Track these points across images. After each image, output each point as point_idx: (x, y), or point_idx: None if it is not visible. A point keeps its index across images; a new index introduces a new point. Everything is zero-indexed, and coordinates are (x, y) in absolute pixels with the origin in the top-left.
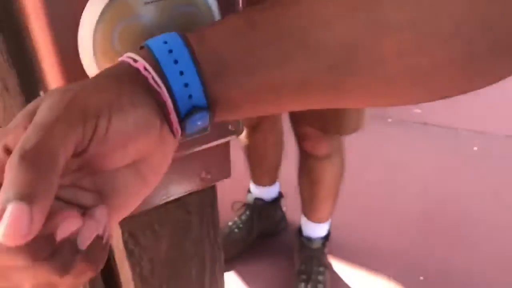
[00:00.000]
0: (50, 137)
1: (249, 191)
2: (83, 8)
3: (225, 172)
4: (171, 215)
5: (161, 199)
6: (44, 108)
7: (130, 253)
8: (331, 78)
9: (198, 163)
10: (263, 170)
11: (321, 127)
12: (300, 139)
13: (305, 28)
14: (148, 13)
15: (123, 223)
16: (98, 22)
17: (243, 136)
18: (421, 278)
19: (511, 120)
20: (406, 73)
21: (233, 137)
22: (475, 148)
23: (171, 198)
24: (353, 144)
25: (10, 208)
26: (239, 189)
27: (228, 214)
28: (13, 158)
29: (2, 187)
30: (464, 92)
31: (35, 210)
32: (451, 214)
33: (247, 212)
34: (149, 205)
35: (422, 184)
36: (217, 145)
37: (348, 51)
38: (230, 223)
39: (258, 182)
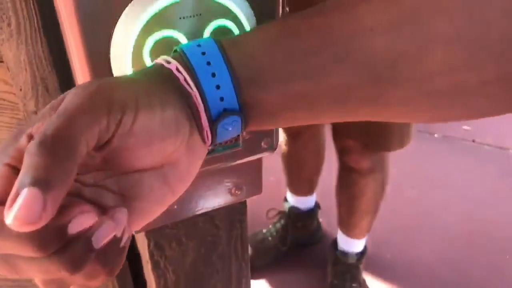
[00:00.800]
0: (71, 125)
1: (285, 199)
2: (117, 21)
3: (256, 189)
4: (199, 228)
5: (189, 212)
6: (69, 97)
7: (155, 264)
8: (372, 91)
9: (229, 179)
10: (300, 179)
11: (364, 142)
12: (342, 152)
13: (349, 37)
14: (182, 28)
15: (149, 234)
16: (130, 35)
17: (282, 143)
18: None
19: None
20: (452, 89)
21: (266, 154)
22: None
23: (200, 212)
24: (395, 158)
25: (23, 193)
26: (275, 196)
27: (263, 221)
28: (32, 143)
29: (20, 172)
30: (506, 112)
31: (49, 196)
32: (495, 238)
33: (282, 221)
34: (177, 217)
35: (466, 205)
36: (249, 162)
37: (392, 62)
38: (264, 231)
39: (295, 191)
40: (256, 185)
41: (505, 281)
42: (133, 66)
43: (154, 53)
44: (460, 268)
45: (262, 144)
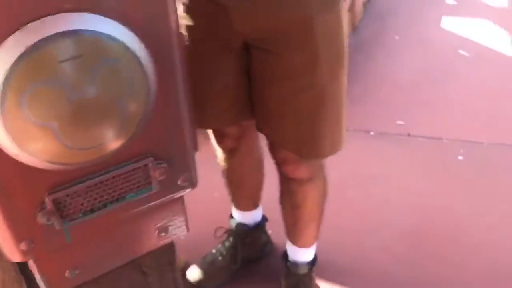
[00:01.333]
0: None
1: (231, 216)
2: None
3: (182, 228)
4: (124, 279)
5: (113, 264)
6: None
7: None
8: None
9: (151, 222)
10: (243, 194)
11: (297, 151)
12: (279, 164)
13: None
14: (63, 73)
15: None
16: (3, 85)
17: (221, 160)
18: None
19: (494, 127)
20: None
21: (186, 191)
22: (460, 158)
23: (123, 262)
24: (334, 160)
25: None
26: (221, 213)
27: (211, 241)
28: None
29: None
30: None
31: None
32: (439, 227)
33: (231, 239)
34: (100, 271)
35: (407, 197)
36: (170, 202)
37: None
38: (213, 251)
39: (240, 206)
40: (180, 224)
41: (458, 269)
42: (9, 116)
43: (33, 101)
44: (413, 263)
45: (179, 182)
